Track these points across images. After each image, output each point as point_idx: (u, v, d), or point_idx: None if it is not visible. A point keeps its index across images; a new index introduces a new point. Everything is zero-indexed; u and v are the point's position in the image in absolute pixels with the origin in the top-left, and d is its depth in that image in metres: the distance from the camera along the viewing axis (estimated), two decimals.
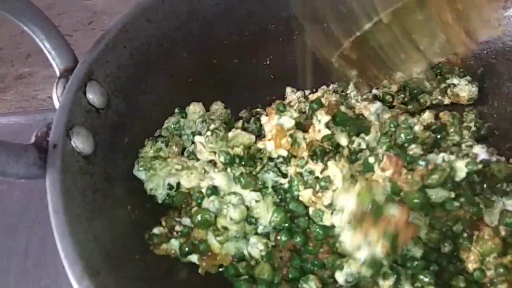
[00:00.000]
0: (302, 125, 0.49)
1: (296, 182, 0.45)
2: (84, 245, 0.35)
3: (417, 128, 0.49)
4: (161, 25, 0.58)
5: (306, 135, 0.47)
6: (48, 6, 1.13)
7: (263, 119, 0.51)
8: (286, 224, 0.45)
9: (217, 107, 0.60)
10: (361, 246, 0.40)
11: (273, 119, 0.48)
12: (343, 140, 0.47)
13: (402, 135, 0.47)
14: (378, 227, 0.39)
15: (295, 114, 0.48)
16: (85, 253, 0.34)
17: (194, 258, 0.46)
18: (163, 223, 0.47)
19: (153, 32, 0.57)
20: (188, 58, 0.60)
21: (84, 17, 1.12)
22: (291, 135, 0.46)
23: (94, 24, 1.10)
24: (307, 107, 0.52)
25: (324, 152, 0.46)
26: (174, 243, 0.45)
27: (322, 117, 0.47)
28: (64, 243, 0.33)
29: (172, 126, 0.55)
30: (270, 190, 0.47)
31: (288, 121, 0.47)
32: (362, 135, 0.49)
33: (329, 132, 0.46)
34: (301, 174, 0.45)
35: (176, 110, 0.57)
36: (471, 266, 0.44)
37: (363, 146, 0.47)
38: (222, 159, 0.47)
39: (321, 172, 0.44)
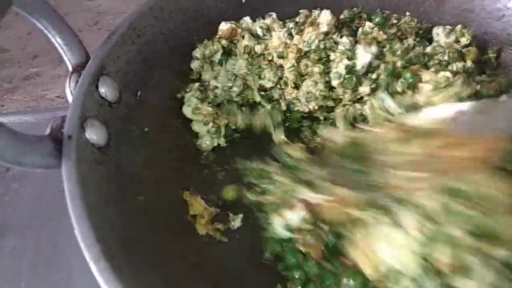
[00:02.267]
0: None
1: None
2: (100, 230, 0.36)
3: None
4: (167, 22, 0.59)
5: None
6: (53, 7, 1.15)
7: None
8: None
9: None
10: None
11: None
12: None
13: None
14: None
15: None
16: (101, 237, 0.35)
17: None
18: None
19: (159, 29, 0.58)
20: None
21: (88, 17, 1.13)
22: None
23: (99, 24, 1.12)
24: None
25: None
26: None
27: None
28: (81, 227, 0.35)
29: None
30: None
31: None
32: None
33: None
34: None
35: None
36: None
37: None
38: None
39: None
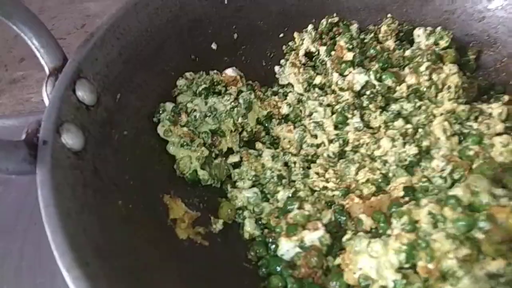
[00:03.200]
0: None
1: None
2: (74, 237, 0.35)
3: None
4: (152, 19, 0.59)
5: None
6: (40, 9, 1.14)
7: None
8: None
9: None
10: None
11: None
12: None
13: None
14: None
15: None
16: (75, 245, 0.35)
17: None
18: None
19: (144, 27, 0.58)
20: (177, 54, 0.61)
21: (77, 20, 1.13)
22: None
23: (87, 27, 1.11)
24: None
25: None
26: None
27: None
28: (54, 235, 0.34)
29: None
30: None
31: None
32: None
33: None
34: None
35: None
36: None
37: None
38: None
39: None
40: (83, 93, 0.47)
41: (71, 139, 0.43)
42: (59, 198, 0.37)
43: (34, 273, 0.66)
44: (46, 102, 0.46)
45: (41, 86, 0.99)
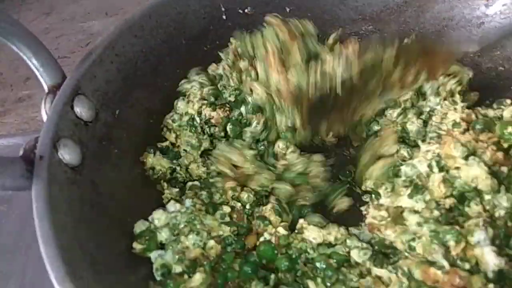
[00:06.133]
0: None
1: None
2: (68, 251, 0.35)
3: None
4: (148, 40, 0.60)
5: None
6: (45, 30, 1.16)
7: None
8: None
9: None
10: None
11: None
12: None
13: None
14: None
15: None
16: (69, 258, 0.35)
17: None
18: None
19: (140, 47, 0.58)
20: (174, 72, 0.61)
21: (81, 39, 1.15)
22: None
23: (91, 45, 1.12)
24: None
25: None
26: None
27: None
28: (47, 248, 0.34)
29: None
30: None
31: None
32: None
33: None
34: None
35: None
36: None
37: None
38: None
39: None
40: (81, 109, 0.47)
41: (68, 154, 0.43)
42: (54, 212, 0.37)
43: None
44: (45, 119, 0.47)
45: None
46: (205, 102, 0.57)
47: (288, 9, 0.69)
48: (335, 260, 0.42)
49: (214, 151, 0.54)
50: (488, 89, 0.60)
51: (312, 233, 0.44)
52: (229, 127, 0.55)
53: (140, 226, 0.45)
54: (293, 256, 0.43)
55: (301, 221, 0.46)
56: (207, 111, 0.56)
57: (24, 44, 0.48)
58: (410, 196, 0.45)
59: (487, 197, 0.43)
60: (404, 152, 0.51)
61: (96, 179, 0.46)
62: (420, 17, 0.67)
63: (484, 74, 0.61)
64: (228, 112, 0.55)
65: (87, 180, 0.45)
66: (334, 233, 0.44)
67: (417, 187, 0.46)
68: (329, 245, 0.44)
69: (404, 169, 0.48)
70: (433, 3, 0.66)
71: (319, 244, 0.44)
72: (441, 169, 0.46)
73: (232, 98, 0.56)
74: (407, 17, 0.67)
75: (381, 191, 0.49)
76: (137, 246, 0.44)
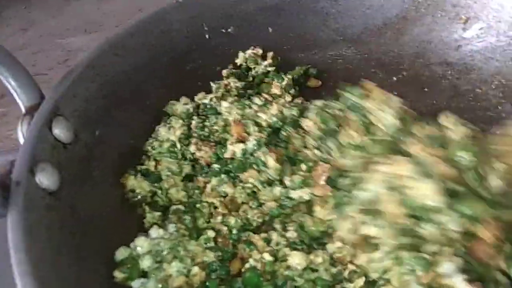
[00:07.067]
0: None
1: None
2: (45, 284, 0.33)
3: None
4: (130, 59, 0.59)
5: None
6: (23, 45, 1.14)
7: None
8: None
9: None
10: None
11: None
12: None
13: None
14: None
15: None
16: None
17: None
18: None
19: (121, 66, 0.58)
20: (157, 91, 0.61)
21: (59, 55, 1.12)
22: None
23: (69, 62, 1.11)
24: None
25: None
26: None
27: None
28: (23, 282, 0.32)
29: None
30: None
31: None
32: None
33: None
34: None
35: None
36: None
37: None
38: None
39: None
40: (60, 131, 0.46)
41: (46, 179, 0.42)
42: (31, 243, 0.36)
43: None
44: (21, 141, 0.45)
45: None
46: (193, 134, 0.57)
47: (270, 29, 0.70)
48: (320, 287, 0.42)
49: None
50: (465, 110, 0.61)
51: (295, 258, 0.43)
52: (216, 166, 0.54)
53: (122, 253, 0.44)
54: (279, 284, 0.42)
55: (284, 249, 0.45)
56: (193, 148, 0.55)
57: (1, 64, 0.46)
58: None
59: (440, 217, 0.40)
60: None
61: (75, 203, 0.44)
62: (399, 40, 0.68)
63: (462, 96, 0.63)
64: (214, 148, 0.55)
65: (66, 205, 0.43)
66: (318, 258, 0.43)
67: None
68: (313, 269, 0.44)
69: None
70: (412, 26, 0.68)
71: (303, 269, 0.43)
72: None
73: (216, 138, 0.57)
74: (386, 39, 0.69)
75: None
76: (119, 275, 0.42)
